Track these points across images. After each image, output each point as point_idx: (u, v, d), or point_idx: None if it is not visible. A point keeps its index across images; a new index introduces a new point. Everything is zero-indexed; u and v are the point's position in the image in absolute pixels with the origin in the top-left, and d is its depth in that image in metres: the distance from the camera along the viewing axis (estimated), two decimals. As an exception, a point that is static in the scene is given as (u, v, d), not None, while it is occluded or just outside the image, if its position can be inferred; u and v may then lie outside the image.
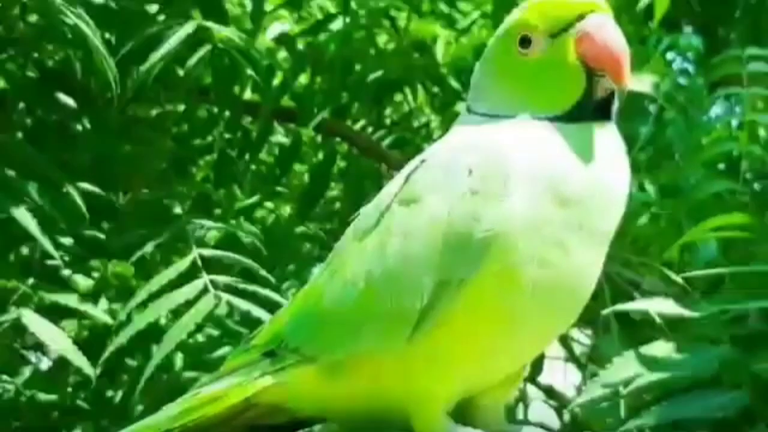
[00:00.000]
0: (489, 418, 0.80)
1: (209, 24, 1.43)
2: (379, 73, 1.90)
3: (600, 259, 0.76)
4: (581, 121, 0.75)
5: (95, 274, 1.40)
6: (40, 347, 1.59)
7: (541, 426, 1.73)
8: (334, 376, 0.77)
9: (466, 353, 0.74)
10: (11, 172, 1.29)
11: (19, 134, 1.56)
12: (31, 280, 1.32)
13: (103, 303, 1.38)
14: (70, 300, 1.33)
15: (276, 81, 1.81)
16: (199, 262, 1.32)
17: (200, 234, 1.48)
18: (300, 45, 1.88)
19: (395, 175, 0.81)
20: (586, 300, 0.77)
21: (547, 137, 0.74)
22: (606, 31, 0.74)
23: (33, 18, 1.52)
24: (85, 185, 1.39)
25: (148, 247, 1.38)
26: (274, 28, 1.89)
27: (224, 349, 1.51)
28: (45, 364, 1.65)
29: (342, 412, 0.80)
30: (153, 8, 1.58)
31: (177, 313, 1.31)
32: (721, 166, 1.57)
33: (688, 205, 1.49)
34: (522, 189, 0.72)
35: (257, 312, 1.26)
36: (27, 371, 1.56)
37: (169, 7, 1.55)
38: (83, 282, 1.38)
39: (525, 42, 0.77)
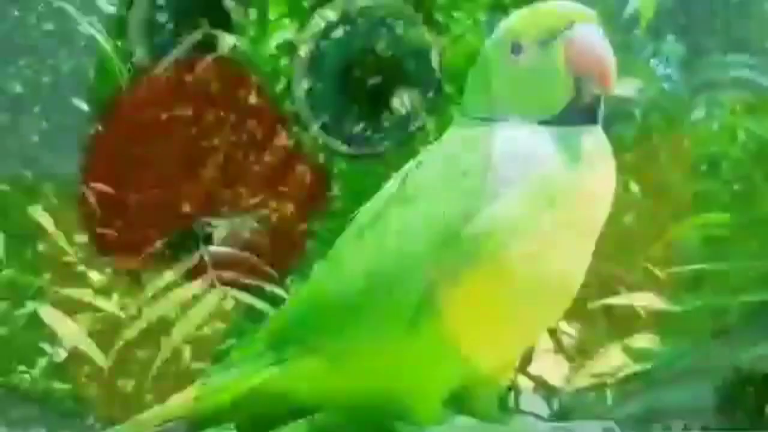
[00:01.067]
0: (482, 407, 0.80)
1: (216, 32, 1.43)
2: (377, 78, 1.90)
3: (587, 255, 0.76)
4: (570, 125, 0.75)
5: (108, 270, 1.40)
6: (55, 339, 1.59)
7: (532, 414, 1.73)
8: (334, 367, 0.77)
9: (460, 346, 0.73)
10: (28, 173, 1.29)
11: (35, 137, 1.55)
12: (47, 276, 1.32)
13: (115, 297, 1.38)
14: (84, 294, 1.33)
15: (279, 86, 1.81)
16: (207, 259, 1.32)
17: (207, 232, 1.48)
18: (302, 52, 1.87)
19: (393, 175, 0.81)
20: (574, 295, 0.77)
21: (538, 139, 0.74)
22: (593, 38, 0.74)
23: (49, 26, 1.52)
24: (98, 185, 1.39)
25: (158, 245, 1.38)
26: (278, 36, 1.88)
27: (230, 342, 1.51)
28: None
29: (343, 402, 0.80)
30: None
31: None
32: (703, 167, 1.57)
33: (672, 204, 1.49)
34: (513, 189, 0.71)
35: (261, 306, 1.25)
36: (43, 362, 1.56)
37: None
38: (96, 277, 1.37)
39: (516, 49, 0.76)
